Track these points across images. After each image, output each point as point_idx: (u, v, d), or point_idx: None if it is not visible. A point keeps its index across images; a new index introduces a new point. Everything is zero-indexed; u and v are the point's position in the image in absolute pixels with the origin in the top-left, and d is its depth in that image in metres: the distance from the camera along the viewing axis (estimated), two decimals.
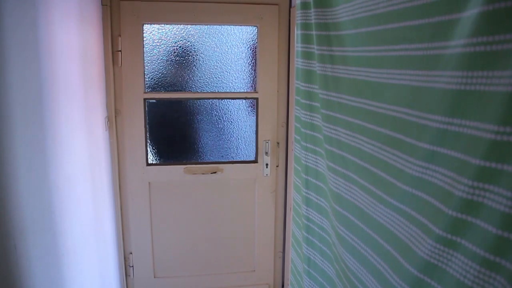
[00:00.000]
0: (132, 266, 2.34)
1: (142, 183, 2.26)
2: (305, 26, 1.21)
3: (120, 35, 2.06)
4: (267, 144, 2.28)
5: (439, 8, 0.65)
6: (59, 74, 1.56)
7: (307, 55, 1.21)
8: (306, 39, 1.21)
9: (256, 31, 2.21)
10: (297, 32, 1.28)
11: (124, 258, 2.32)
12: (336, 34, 1.03)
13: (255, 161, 2.31)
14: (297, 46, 1.27)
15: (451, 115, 0.63)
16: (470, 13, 0.57)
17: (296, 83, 1.32)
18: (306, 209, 1.28)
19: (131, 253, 2.32)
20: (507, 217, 0.53)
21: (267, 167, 2.31)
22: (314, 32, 1.13)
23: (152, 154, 2.30)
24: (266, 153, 2.29)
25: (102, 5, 1.96)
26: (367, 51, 0.88)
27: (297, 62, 1.29)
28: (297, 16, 1.25)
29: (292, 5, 2.15)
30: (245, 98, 2.30)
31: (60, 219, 1.57)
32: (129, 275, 2.35)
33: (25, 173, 1.36)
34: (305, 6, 1.20)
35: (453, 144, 0.63)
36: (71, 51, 1.67)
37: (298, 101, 1.32)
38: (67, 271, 1.62)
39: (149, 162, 2.27)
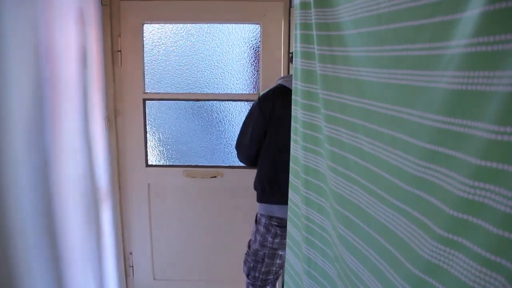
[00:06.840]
0: (132, 266, 2.34)
1: (141, 184, 2.25)
2: (305, 26, 1.20)
3: (120, 35, 2.06)
4: None
5: (441, 8, 0.65)
6: (59, 74, 1.56)
7: (307, 55, 1.21)
8: (306, 39, 1.21)
9: (259, 29, 2.17)
10: (295, 32, 1.27)
11: (124, 258, 2.32)
12: (337, 34, 1.03)
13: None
14: (296, 46, 1.27)
15: (452, 115, 0.63)
16: (472, 13, 0.57)
17: (294, 83, 1.31)
18: (306, 209, 1.28)
19: (131, 253, 2.32)
20: (508, 217, 0.53)
21: None
22: (314, 32, 1.13)
23: (152, 155, 2.29)
24: None
25: (102, 5, 1.96)
26: (368, 51, 0.88)
27: (296, 62, 1.29)
28: (296, 16, 1.25)
29: (292, 5, 2.14)
30: (246, 100, 2.27)
31: (60, 219, 1.57)
32: (129, 275, 2.35)
33: (25, 173, 1.36)
34: (304, 6, 1.20)
35: (454, 144, 0.63)
36: (71, 51, 1.67)
37: (296, 101, 1.31)
38: (66, 271, 1.62)
39: (148, 163, 2.26)
